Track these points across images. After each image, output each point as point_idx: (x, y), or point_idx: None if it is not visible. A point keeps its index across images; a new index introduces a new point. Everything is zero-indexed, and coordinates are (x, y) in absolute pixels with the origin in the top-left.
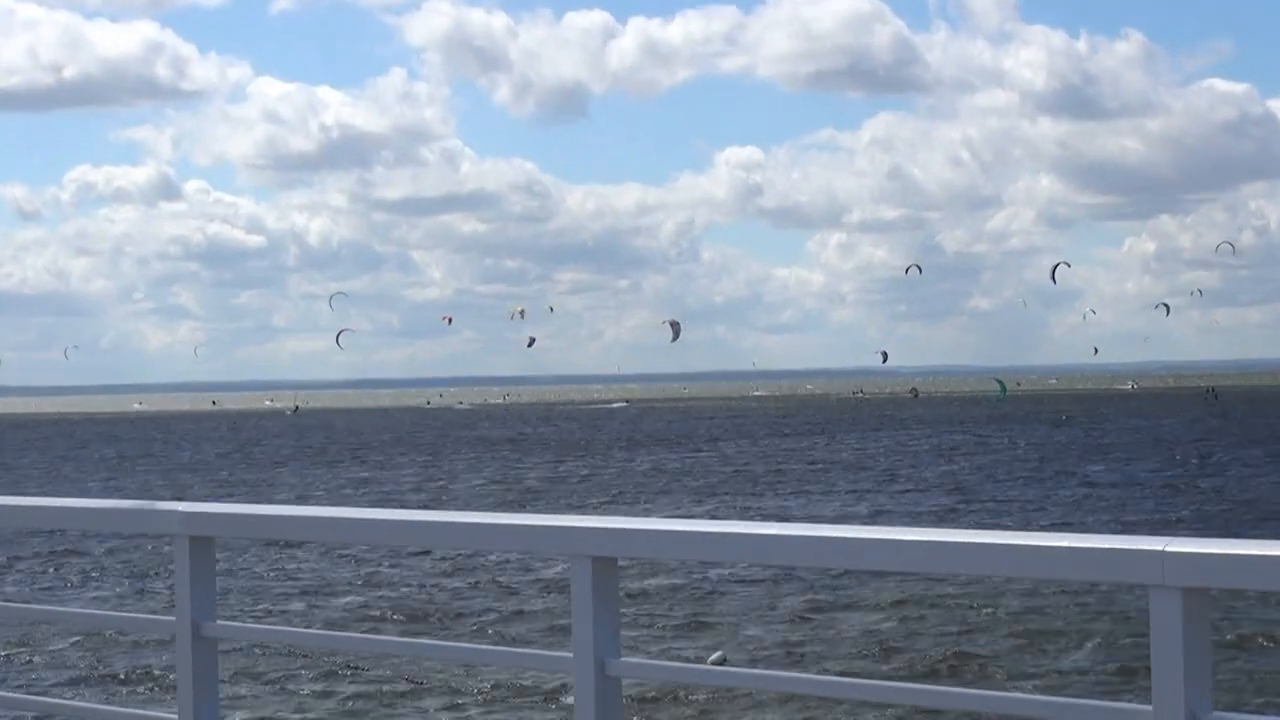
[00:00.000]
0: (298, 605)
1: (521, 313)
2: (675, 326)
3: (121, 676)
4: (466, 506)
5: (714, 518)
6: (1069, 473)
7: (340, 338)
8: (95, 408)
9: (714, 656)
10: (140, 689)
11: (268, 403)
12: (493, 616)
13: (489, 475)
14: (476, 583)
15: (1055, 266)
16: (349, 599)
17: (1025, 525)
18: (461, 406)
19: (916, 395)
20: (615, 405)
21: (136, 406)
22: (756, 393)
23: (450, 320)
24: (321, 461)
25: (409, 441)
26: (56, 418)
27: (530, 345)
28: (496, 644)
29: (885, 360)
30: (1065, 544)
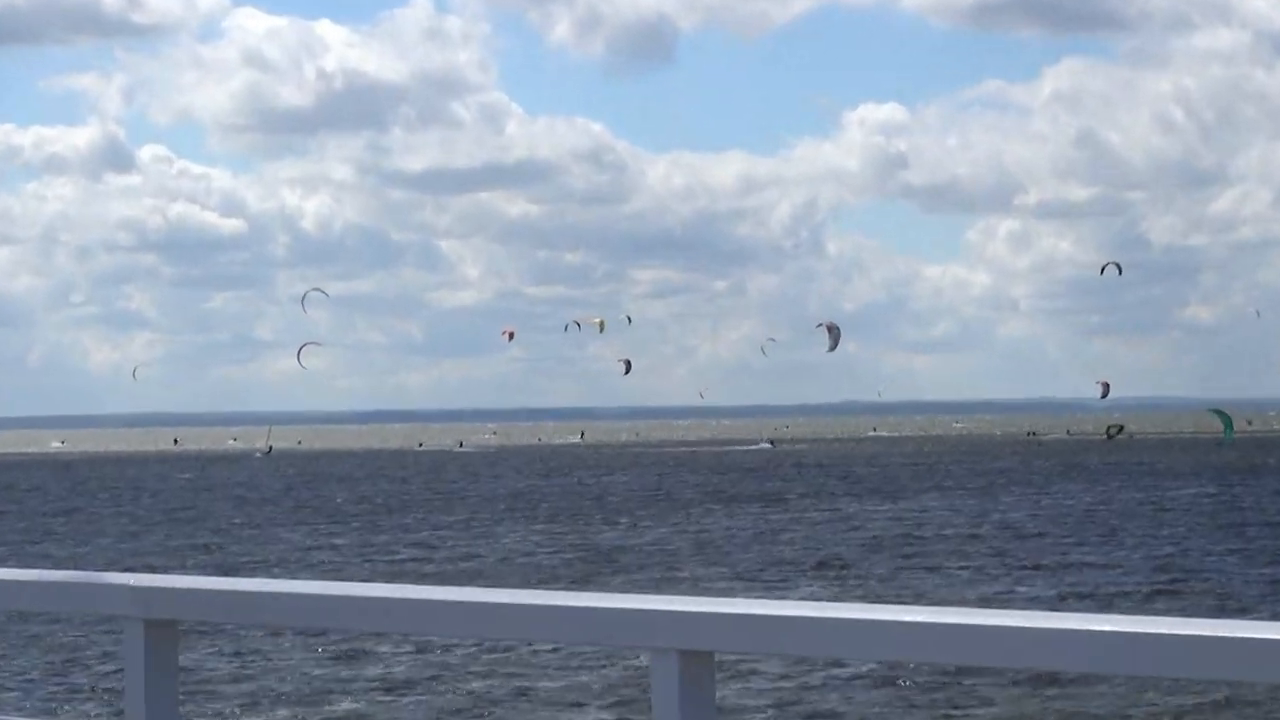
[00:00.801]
0: (282, 713)
1: (600, 325)
2: (834, 331)
3: None
4: (507, 583)
5: (831, 600)
6: None
7: (302, 354)
8: (8, 446)
9: None
10: None
11: (231, 441)
12: None
13: (532, 540)
14: (524, 689)
15: None
16: (348, 704)
17: (1258, 614)
18: (462, 449)
19: (1115, 436)
20: (757, 447)
21: (55, 446)
22: (874, 432)
23: (512, 336)
24: (301, 521)
25: (429, 494)
26: None
27: (627, 372)
28: None
29: (1105, 394)
30: None
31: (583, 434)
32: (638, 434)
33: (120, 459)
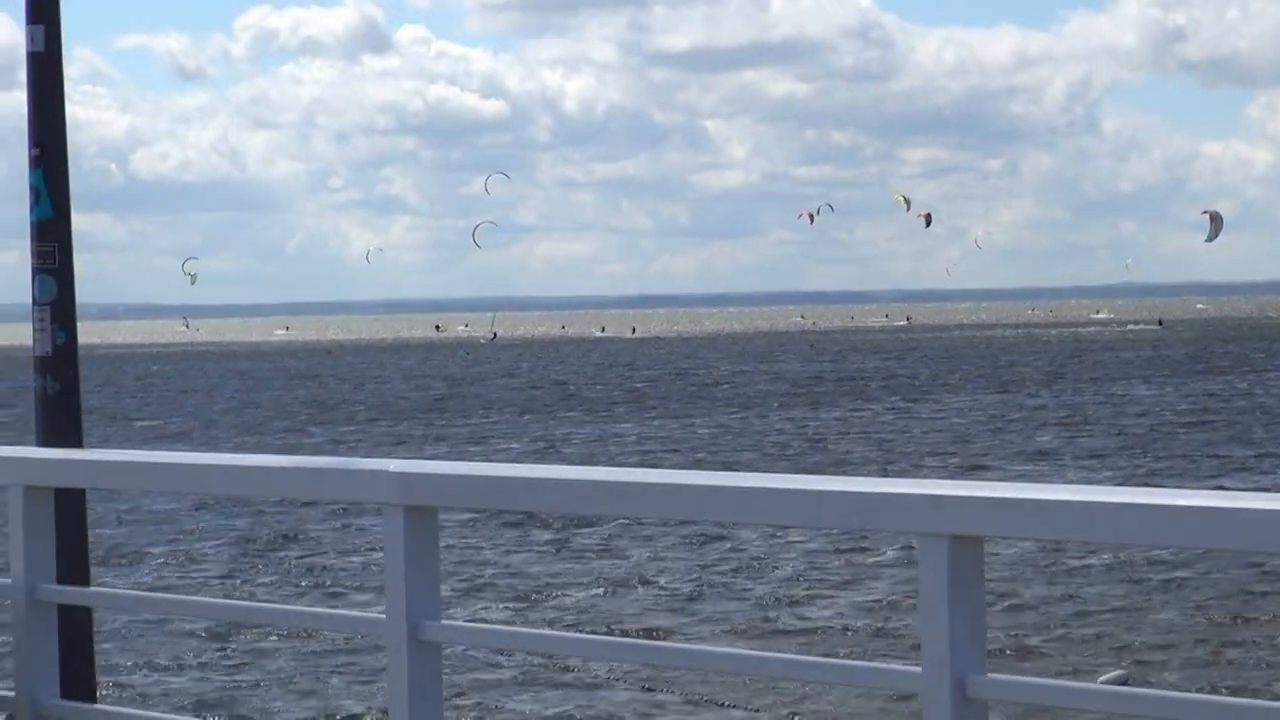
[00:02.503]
0: (519, 604)
1: (907, 202)
2: (1216, 220)
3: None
4: (750, 469)
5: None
6: None
7: (477, 233)
8: (234, 335)
9: (1110, 675)
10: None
11: (462, 328)
12: (811, 606)
13: (775, 429)
14: (773, 576)
15: None
16: (597, 592)
17: None
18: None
19: None
20: (1148, 326)
21: (280, 334)
22: (1098, 315)
23: (813, 218)
24: (531, 410)
25: (677, 385)
26: (194, 349)
27: (928, 224)
28: (817, 654)
29: None
30: None
31: (907, 318)
32: (969, 317)
33: (334, 348)
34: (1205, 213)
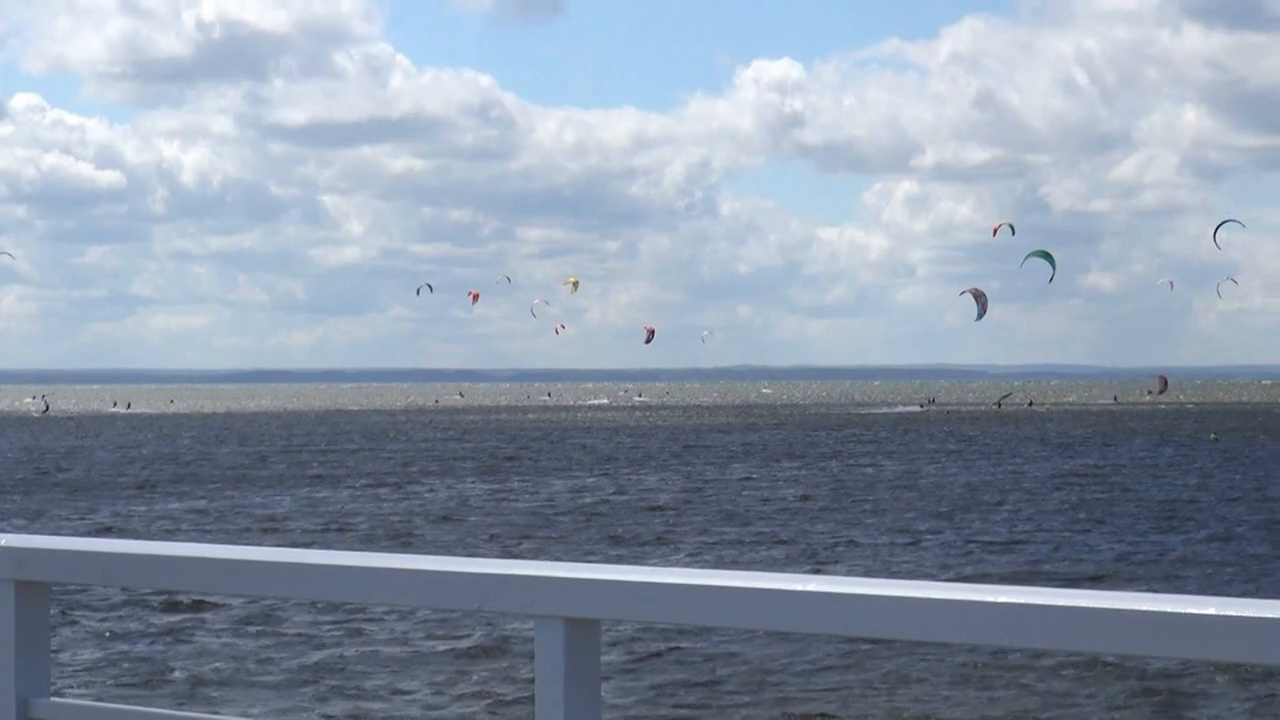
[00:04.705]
0: (144, 673)
1: (574, 285)
2: (981, 299)
3: None
4: (375, 546)
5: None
6: (1208, 513)
7: None
8: None
9: None
10: None
11: (28, 400)
12: (421, 692)
13: (391, 507)
14: (396, 655)
15: (1219, 226)
16: (217, 666)
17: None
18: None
19: (1003, 405)
20: (907, 409)
21: None
22: (639, 398)
23: (476, 298)
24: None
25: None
26: None
27: (648, 341)
28: None
29: (1163, 389)
30: (1211, 612)
31: (640, 394)
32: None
33: None
34: (965, 292)
